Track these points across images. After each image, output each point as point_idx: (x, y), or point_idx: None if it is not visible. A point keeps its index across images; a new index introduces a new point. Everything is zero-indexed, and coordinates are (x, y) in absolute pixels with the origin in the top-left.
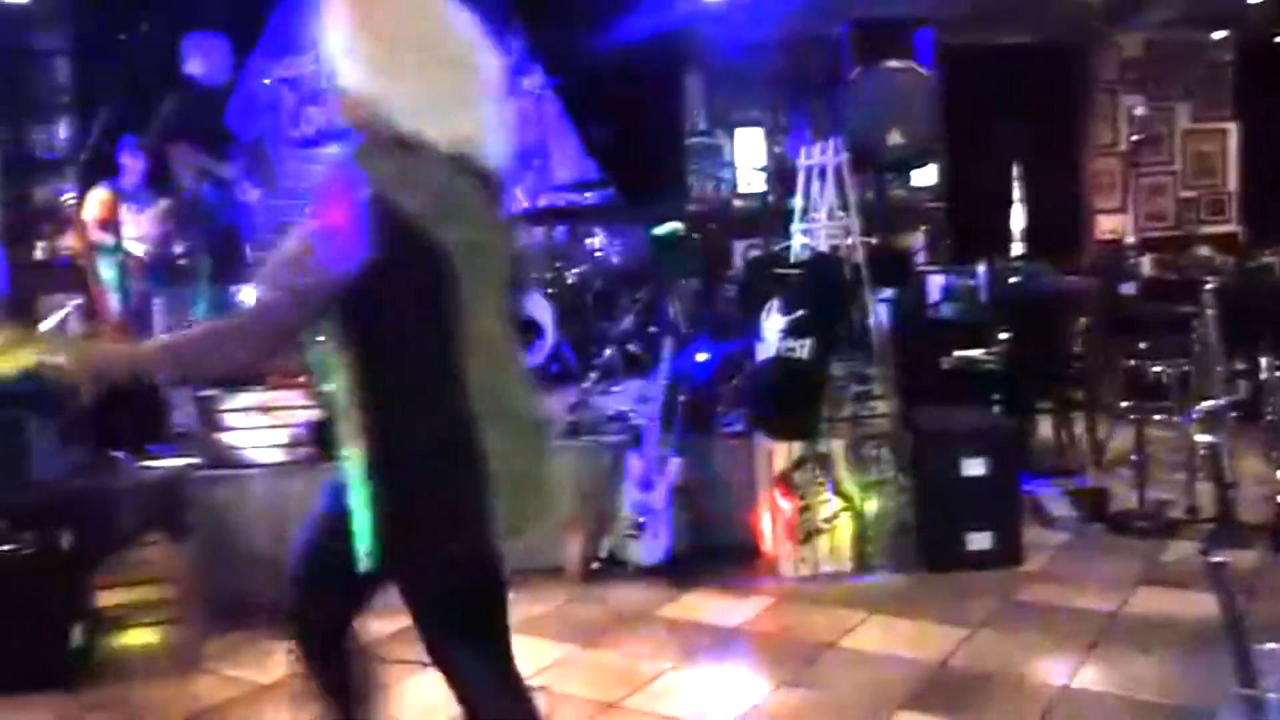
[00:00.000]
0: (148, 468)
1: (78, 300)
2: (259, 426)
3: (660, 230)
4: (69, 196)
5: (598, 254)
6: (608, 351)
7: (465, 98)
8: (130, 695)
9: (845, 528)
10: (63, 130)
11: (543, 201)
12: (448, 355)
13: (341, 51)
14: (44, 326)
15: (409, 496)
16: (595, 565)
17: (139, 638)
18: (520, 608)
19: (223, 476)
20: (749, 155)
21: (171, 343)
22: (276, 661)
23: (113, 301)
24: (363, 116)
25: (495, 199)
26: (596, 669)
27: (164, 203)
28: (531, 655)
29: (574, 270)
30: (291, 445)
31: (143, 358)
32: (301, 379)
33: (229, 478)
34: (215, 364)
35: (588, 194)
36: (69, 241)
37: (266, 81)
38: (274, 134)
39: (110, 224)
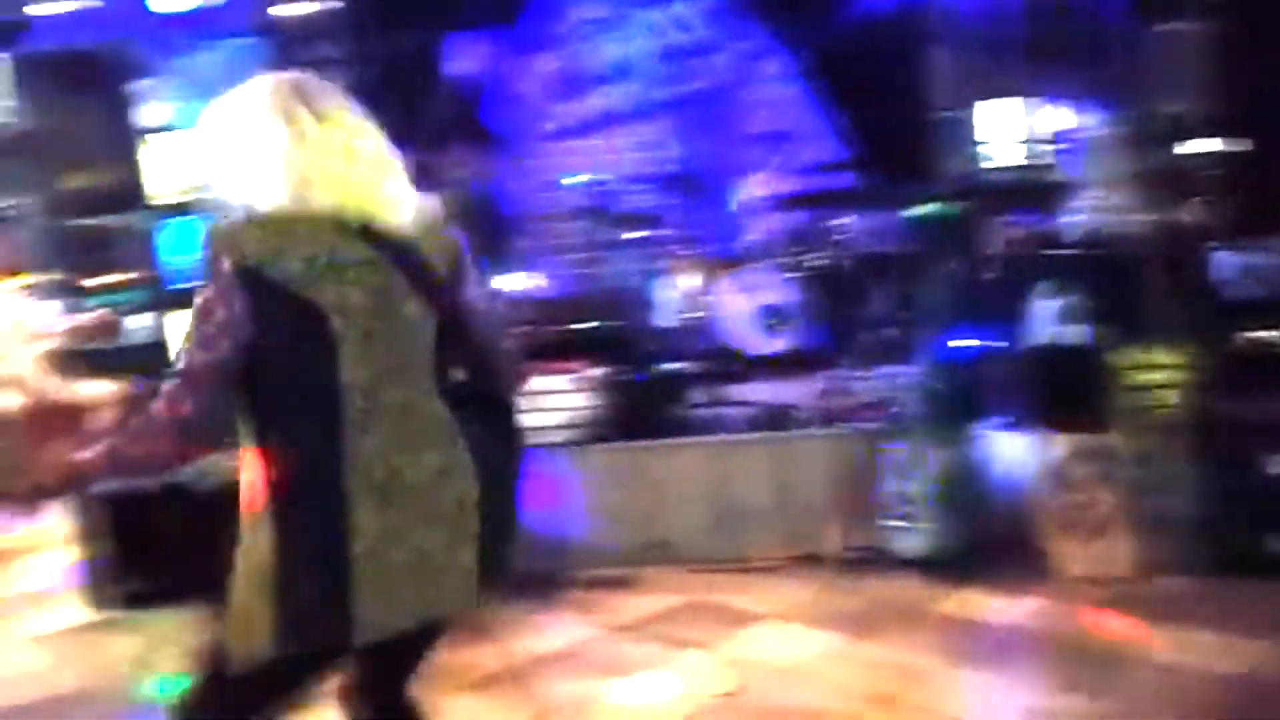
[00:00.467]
0: None
1: None
2: (542, 409)
3: (922, 210)
4: None
5: (848, 237)
6: (864, 336)
7: (330, 171)
8: None
9: (1129, 526)
10: None
11: (791, 185)
12: (326, 425)
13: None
14: None
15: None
16: (852, 554)
17: None
18: (779, 592)
19: None
20: (1007, 128)
21: (111, 445)
22: (554, 627)
23: None
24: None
25: (402, 264)
26: (866, 661)
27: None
28: (794, 642)
29: (823, 254)
30: (573, 427)
31: (88, 466)
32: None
33: None
34: (146, 459)
35: (836, 175)
36: None
37: (520, 77)
38: (529, 129)
39: None
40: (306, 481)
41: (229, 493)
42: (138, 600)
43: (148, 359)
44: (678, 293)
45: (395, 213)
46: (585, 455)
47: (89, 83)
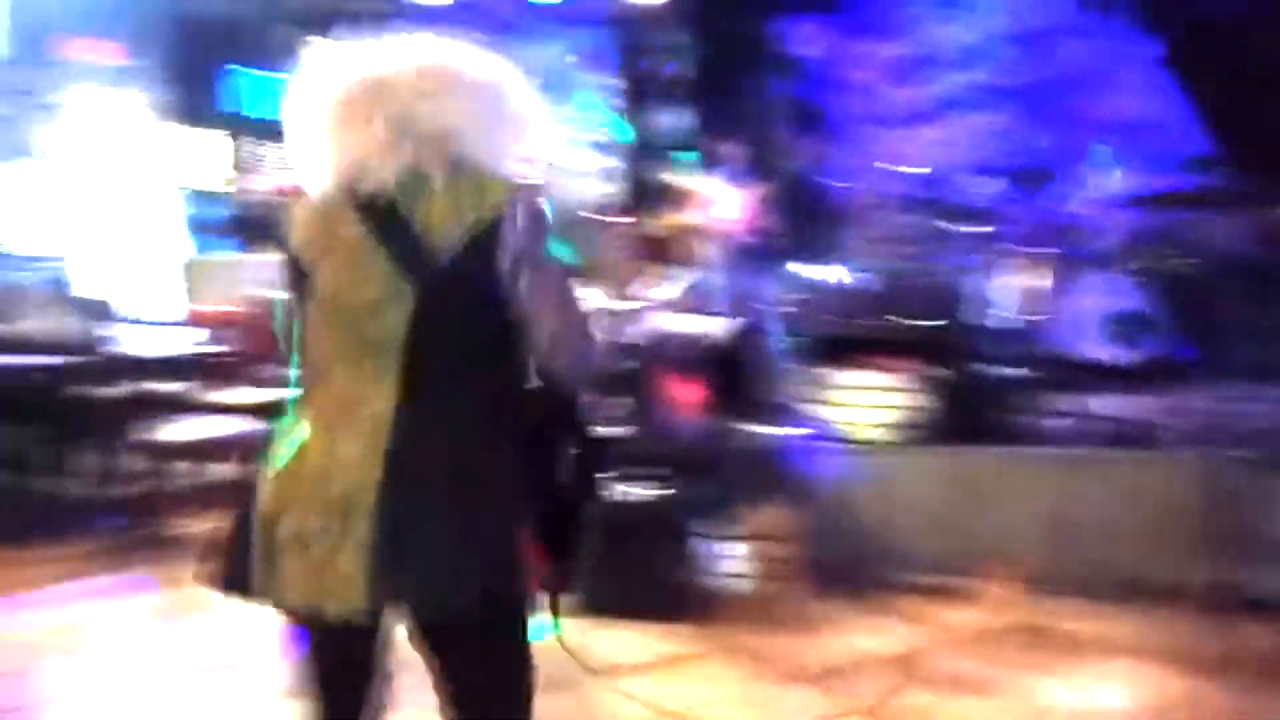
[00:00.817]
0: (758, 434)
1: (682, 272)
2: (866, 405)
3: None
4: (677, 179)
5: (1208, 240)
6: (1231, 351)
7: (342, 137)
8: (744, 640)
9: None
10: (680, 118)
11: (1146, 182)
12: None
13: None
14: (653, 294)
15: None
16: (1217, 593)
17: (750, 588)
18: (1128, 625)
19: (829, 450)
20: None
21: None
22: (884, 630)
23: (707, 281)
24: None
25: (397, 231)
26: (1235, 713)
27: (759, 186)
28: (1151, 683)
29: (1181, 258)
30: (896, 427)
31: None
32: (904, 362)
33: (835, 451)
34: None
35: (1198, 172)
36: (671, 221)
37: (855, 62)
38: (861, 115)
39: (707, 209)
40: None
41: None
42: None
43: None
44: (1013, 292)
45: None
46: (909, 457)
47: None
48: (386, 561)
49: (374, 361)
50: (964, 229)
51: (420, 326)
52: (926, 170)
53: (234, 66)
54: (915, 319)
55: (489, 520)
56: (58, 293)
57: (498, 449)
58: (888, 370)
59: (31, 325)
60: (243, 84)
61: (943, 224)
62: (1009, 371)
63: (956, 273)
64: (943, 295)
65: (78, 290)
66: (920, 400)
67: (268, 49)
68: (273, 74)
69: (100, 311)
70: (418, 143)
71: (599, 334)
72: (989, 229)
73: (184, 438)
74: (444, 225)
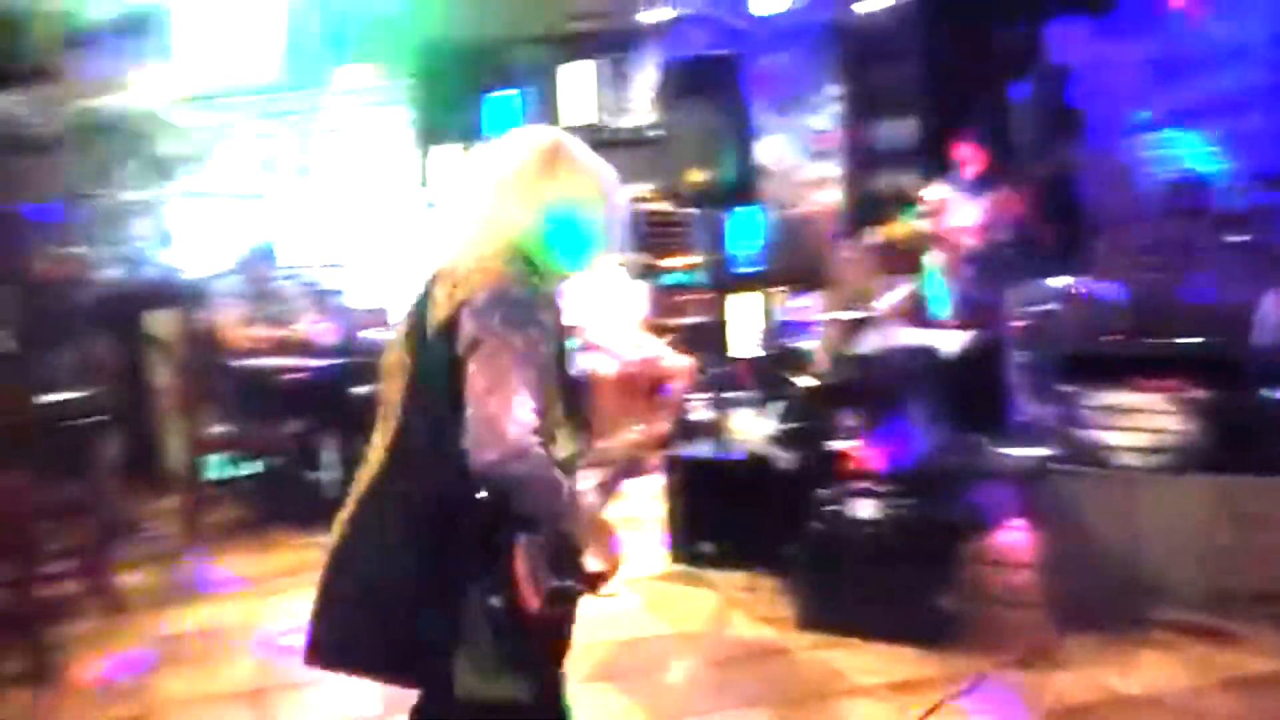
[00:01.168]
0: (1007, 455)
1: (910, 284)
2: (1121, 428)
3: None
4: (909, 187)
5: None
6: None
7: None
8: (982, 669)
9: None
10: (910, 127)
11: None
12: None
13: None
14: (879, 304)
15: None
16: None
17: (991, 616)
18: None
19: (1081, 473)
20: None
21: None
22: (1139, 670)
23: (927, 293)
24: None
25: (421, 307)
26: None
27: (995, 194)
28: None
29: None
30: (1153, 451)
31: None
32: (1169, 382)
33: (1087, 475)
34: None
35: None
36: (897, 228)
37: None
38: (1123, 119)
39: (938, 218)
40: None
41: (806, 471)
42: (706, 560)
43: (705, 338)
44: None
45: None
46: (1167, 484)
47: (711, 86)
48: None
49: (385, 418)
50: (1231, 238)
51: (407, 394)
52: (1194, 174)
53: (489, 89)
54: (1176, 335)
55: (395, 582)
56: (332, 300)
57: (448, 521)
58: (1144, 390)
59: (313, 329)
60: (493, 106)
61: (1212, 233)
62: None
63: (1223, 285)
64: (1208, 310)
65: (351, 298)
66: (1181, 423)
67: (517, 72)
68: (518, 95)
69: (375, 318)
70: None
71: (511, 431)
72: (1259, 238)
73: None
74: (437, 308)
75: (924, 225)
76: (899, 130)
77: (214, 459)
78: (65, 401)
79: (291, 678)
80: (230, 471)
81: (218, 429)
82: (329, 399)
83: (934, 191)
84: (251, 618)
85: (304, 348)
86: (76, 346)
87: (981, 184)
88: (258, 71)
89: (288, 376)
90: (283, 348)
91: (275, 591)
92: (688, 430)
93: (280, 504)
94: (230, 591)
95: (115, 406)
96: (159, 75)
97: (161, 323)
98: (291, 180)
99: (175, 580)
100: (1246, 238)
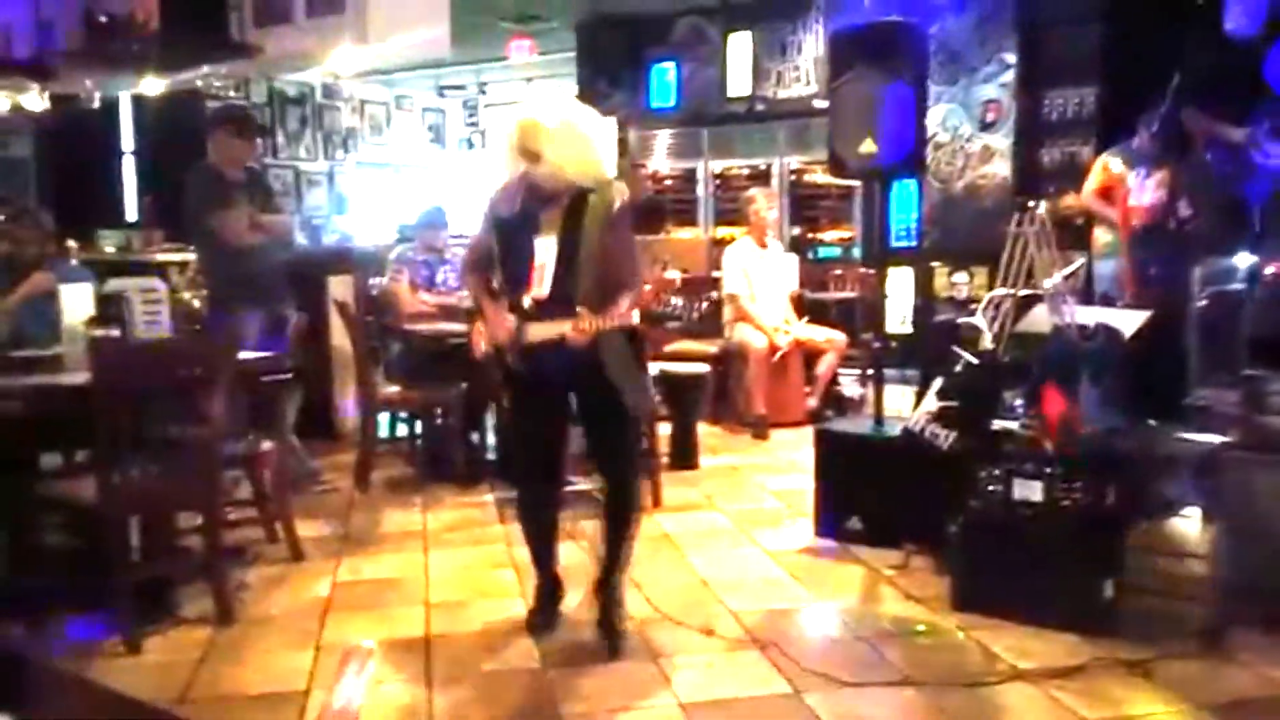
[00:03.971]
0: (1183, 440)
1: (1081, 260)
2: None
3: None
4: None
5: None
6: None
7: None
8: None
9: None
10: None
11: None
12: None
13: None
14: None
15: None
16: None
17: (1162, 607)
18: None
19: (1262, 461)
20: None
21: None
22: None
23: (1108, 269)
24: None
25: None
26: None
27: (1168, 169)
28: None
29: None
30: None
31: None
32: None
33: (1269, 463)
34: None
35: None
36: (1068, 202)
37: None
38: None
39: (1109, 191)
40: None
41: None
42: (856, 536)
43: (862, 313)
44: None
45: None
46: None
47: (879, 54)
48: None
49: None
50: None
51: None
52: None
53: (652, 61)
54: None
55: None
56: None
57: None
58: None
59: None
60: (656, 77)
61: None
62: None
63: None
64: None
65: None
66: None
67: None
68: (674, 65)
69: None
70: None
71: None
72: None
73: None
74: None
75: (1100, 200)
76: (1074, 99)
77: (384, 418)
78: (257, 359)
79: (454, 628)
80: (399, 430)
81: (389, 389)
82: (491, 364)
83: (1109, 163)
84: (417, 570)
85: (469, 314)
86: (269, 308)
87: (1160, 157)
88: (429, 48)
89: (453, 341)
90: (449, 314)
91: (440, 545)
92: (840, 405)
93: (442, 463)
94: (398, 545)
95: (298, 366)
96: (345, 51)
97: (340, 287)
98: (460, 152)
99: (348, 531)
100: None
